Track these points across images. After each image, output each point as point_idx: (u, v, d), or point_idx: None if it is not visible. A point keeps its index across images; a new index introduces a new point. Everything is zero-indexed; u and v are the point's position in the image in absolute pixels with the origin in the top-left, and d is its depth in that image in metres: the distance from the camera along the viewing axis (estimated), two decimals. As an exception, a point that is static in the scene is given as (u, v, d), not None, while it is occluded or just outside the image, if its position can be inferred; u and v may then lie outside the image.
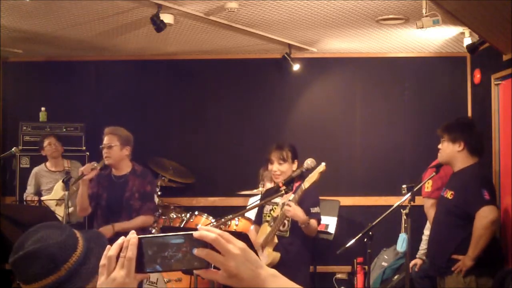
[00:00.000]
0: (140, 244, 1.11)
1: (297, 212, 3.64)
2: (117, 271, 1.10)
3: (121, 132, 4.29)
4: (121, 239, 1.12)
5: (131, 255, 1.10)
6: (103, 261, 1.12)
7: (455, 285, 3.64)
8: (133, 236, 1.11)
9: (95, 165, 4.20)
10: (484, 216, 3.54)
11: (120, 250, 1.11)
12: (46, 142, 5.64)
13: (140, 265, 1.11)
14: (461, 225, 3.67)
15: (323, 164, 3.60)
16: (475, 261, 3.58)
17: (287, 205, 3.63)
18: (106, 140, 4.24)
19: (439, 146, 3.88)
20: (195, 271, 1.14)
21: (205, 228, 1.10)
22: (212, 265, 1.10)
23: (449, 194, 3.76)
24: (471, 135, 3.80)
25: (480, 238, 3.55)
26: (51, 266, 1.59)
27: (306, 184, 3.62)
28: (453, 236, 3.70)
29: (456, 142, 3.76)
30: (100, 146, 4.26)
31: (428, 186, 4.35)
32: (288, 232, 3.83)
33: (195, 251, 1.08)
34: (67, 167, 5.64)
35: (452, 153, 3.77)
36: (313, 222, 3.74)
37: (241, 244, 1.10)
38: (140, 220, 4.20)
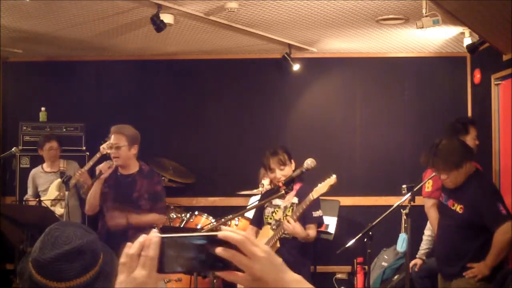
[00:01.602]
0: (162, 243, 1.07)
1: (296, 230, 3.65)
2: (138, 270, 1.07)
3: (128, 131, 4.20)
4: (143, 237, 1.08)
5: (153, 254, 1.06)
6: (123, 259, 1.08)
7: (465, 286, 3.62)
8: (155, 235, 1.08)
9: (111, 163, 4.16)
10: (506, 232, 3.51)
11: (142, 248, 1.08)
12: (47, 146, 5.62)
13: (161, 265, 1.07)
14: (475, 236, 3.62)
15: (334, 176, 3.55)
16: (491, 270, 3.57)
17: (287, 221, 3.64)
18: (113, 139, 4.14)
19: (443, 177, 3.68)
20: (216, 273, 1.11)
21: (230, 229, 1.07)
22: (233, 267, 1.07)
23: (458, 208, 3.68)
24: (467, 150, 3.75)
25: (501, 252, 3.55)
26: (92, 261, 1.59)
27: (315, 194, 3.59)
28: (467, 247, 3.66)
29: (463, 166, 3.63)
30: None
31: (428, 186, 4.33)
32: (291, 235, 3.82)
33: (219, 251, 1.04)
34: (62, 168, 5.63)
35: (463, 176, 3.66)
36: (312, 233, 3.75)
37: (266, 247, 1.08)
38: (152, 217, 4.16)
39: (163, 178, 5.82)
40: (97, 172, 4.16)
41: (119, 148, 4.13)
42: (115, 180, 4.21)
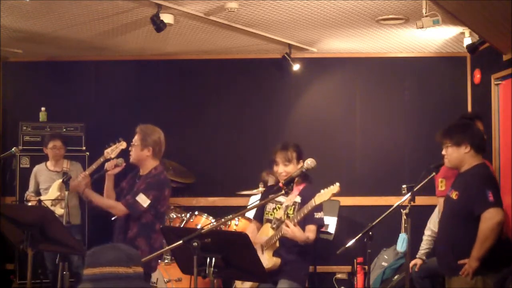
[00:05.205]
0: None
1: (296, 234, 3.67)
2: None
3: (144, 132, 4.24)
4: None
5: None
6: None
7: (461, 285, 3.62)
8: None
9: (120, 162, 4.17)
10: (490, 218, 3.51)
11: None
12: (51, 144, 5.61)
13: None
14: (467, 226, 3.63)
15: (337, 184, 3.56)
16: (480, 262, 3.56)
17: (286, 225, 3.65)
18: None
19: (443, 152, 3.79)
20: None
21: None
22: None
23: (454, 195, 3.72)
24: (473, 134, 3.77)
25: (485, 240, 3.52)
26: (124, 259, 1.84)
27: (317, 200, 3.60)
28: (460, 237, 3.67)
29: (461, 145, 3.69)
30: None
31: (441, 185, 4.32)
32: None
33: None
34: (66, 168, 5.63)
35: (459, 156, 3.70)
36: (311, 236, 3.76)
37: None
38: (111, 203, 4.13)
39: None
40: (104, 169, 4.16)
41: (132, 146, 4.19)
42: (133, 180, 4.23)
